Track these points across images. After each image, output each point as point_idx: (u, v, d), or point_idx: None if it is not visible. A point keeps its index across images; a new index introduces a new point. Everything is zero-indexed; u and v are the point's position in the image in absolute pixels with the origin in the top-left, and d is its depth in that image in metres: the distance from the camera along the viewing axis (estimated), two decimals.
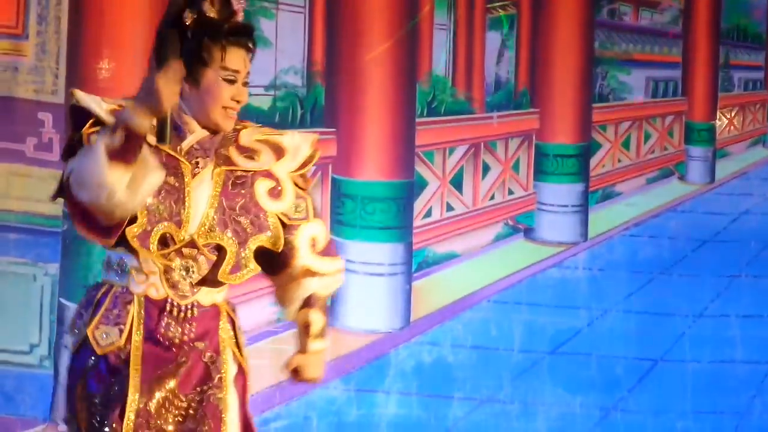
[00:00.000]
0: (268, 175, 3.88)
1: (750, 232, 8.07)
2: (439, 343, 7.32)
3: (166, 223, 3.73)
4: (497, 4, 8.33)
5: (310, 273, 3.93)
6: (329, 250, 3.97)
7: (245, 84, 3.78)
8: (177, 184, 3.76)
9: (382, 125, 7.50)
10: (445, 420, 6.88)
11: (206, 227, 3.78)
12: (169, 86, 3.53)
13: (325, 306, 4.02)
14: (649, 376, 7.45)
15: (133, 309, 3.79)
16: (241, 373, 3.92)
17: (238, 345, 3.92)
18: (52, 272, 6.83)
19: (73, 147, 3.78)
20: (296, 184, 3.91)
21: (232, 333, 3.91)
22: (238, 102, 3.76)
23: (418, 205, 7.70)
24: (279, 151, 3.93)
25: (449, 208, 8.07)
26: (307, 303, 3.97)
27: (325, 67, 7.53)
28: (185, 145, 3.78)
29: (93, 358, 3.81)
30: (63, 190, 3.83)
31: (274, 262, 3.91)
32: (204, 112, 3.76)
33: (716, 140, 8.44)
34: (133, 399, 3.75)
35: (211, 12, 3.70)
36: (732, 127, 8.45)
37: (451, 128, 8.07)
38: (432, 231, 7.85)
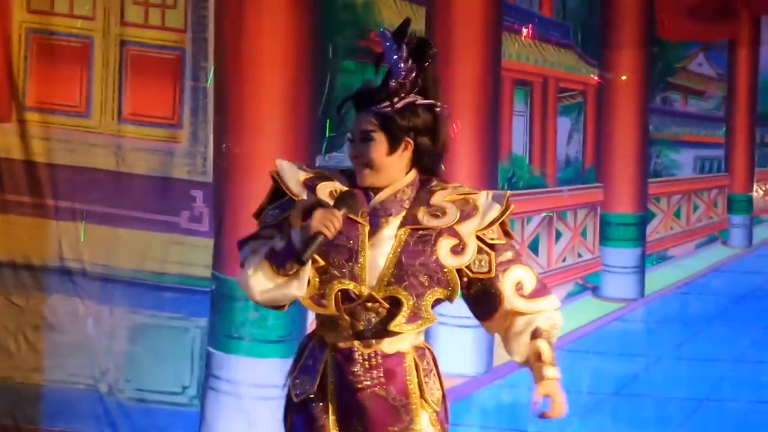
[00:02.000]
0: (453, 233, 3.73)
1: None
2: (516, 385, 7.22)
3: (340, 281, 3.67)
4: (567, 94, 8.34)
5: (519, 314, 3.78)
6: (539, 292, 3.83)
7: (362, 140, 3.71)
8: (351, 245, 3.68)
9: None
10: None
11: (384, 282, 3.69)
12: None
13: (552, 338, 3.88)
14: (696, 414, 7.43)
15: (326, 358, 3.74)
16: (435, 416, 3.79)
17: (422, 389, 3.77)
18: (202, 325, 6.92)
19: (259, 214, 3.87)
20: (482, 240, 3.75)
21: (416, 378, 3.76)
22: (356, 157, 3.74)
23: None
24: (471, 209, 3.78)
25: None
26: (533, 335, 3.81)
27: None
28: (368, 207, 3.74)
29: (293, 403, 3.79)
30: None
31: (485, 310, 3.81)
32: None
33: (753, 209, 8.38)
34: None
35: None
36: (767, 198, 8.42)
37: (528, 200, 8.06)
38: None
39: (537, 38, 8.11)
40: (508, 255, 3.81)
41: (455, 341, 7.42)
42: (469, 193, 3.83)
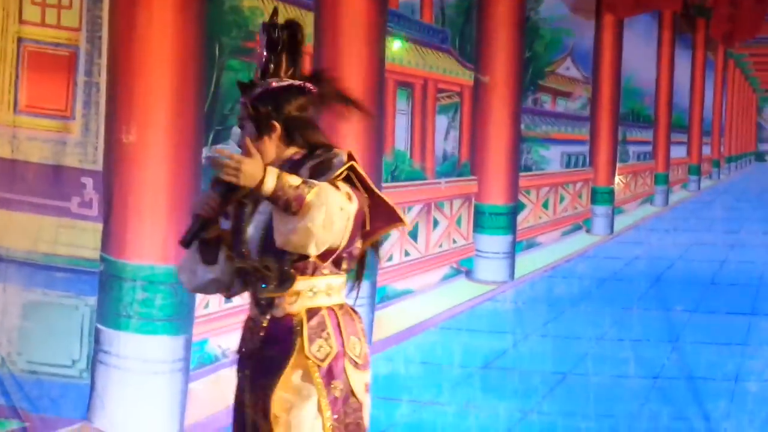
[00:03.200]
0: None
1: (640, 273, 8.06)
2: (392, 359, 7.23)
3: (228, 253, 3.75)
4: (445, 94, 8.35)
5: None
6: None
7: (240, 129, 3.68)
8: (236, 222, 3.73)
9: None
10: (393, 417, 6.88)
11: (259, 252, 3.69)
12: None
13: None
14: (560, 386, 7.38)
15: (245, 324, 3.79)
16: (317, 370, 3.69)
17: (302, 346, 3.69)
18: (91, 303, 6.72)
19: None
20: None
21: (298, 337, 3.68)
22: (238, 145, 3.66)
23: (383, 251, 7.70)
24: (325, 169, 3.64)
25: (406, 253, 8.06)
26: None
27: None
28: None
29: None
30: None
31: None
32: None
33: (614, 200, 8.44)
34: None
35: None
36: (627, 190, 8.48)
37: (409, 191, 8.05)
38: (393, 272, 7.84)
39: (418, 43, 8.11)
40: None
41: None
42: (330, 157, 3.63)
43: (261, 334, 3.69)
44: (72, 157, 6.78)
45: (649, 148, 8.63)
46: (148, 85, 6.73)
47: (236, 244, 3.70)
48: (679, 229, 8.25)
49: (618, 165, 8.44)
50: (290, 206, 3.43)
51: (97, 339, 6.69)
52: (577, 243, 8.38)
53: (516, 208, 8.23)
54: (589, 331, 7.79)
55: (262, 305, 3.70)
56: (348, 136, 7.43)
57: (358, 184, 3.60)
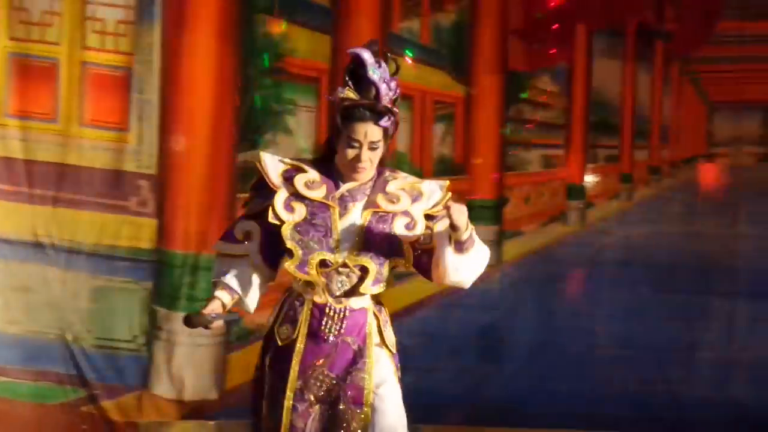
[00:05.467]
0: (406, 213, 3.69)
1: (609, 259, 8.07)
2: (398, 332, 7.27)
3: (319, 252, 3.63)
4: (441, 105, 8.35)
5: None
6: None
7: (371, 148, 3.61)
8: (326, 223, 3.64)
9: None
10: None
11: (354, 253, 3.66)
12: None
13: None
14: (539, 355, 7.44)
15: (305, 311, 3.70)
16: (390, 356, 3.75)
17: (381, 336, 3.74)
18: (147, 287, 6.95)
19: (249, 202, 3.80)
20: (429, 216, 3.70)
21: (375, 327, 3.72)
22: (359, 160, 3.60)
23: None
24: (417, 194, 3.74)
25: None
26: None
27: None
28: (337, 193, 3.67)
29: (277, 347, 3.72)
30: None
31: (428, 265, 3.71)
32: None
33: (586, 196, 8.38)
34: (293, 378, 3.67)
35: (347, 95, 3.64)
36: (597, 187, 8.48)
37: None
38: None
39: (417, 61, 8.14)
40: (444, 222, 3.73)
41: None
42: (414, 182, 3.78)
43: (342, 322, 3.68)
44: (129, 163, 6.95)
45: (616, 153, 8.61)
46: (193, 101, 6.96)
47: (322, 239, 3.67)
48: (643, 221, 8.27)
49: (589, 165, 8.42)
50: (467, 246, 3.59)
51: (153, 318, 6.80)
52: (554, 232, 8.31)
53: (502, 202, 8.23)
54: (565, 306, 7.80)
55: (336, 296, 3.68)
56: None
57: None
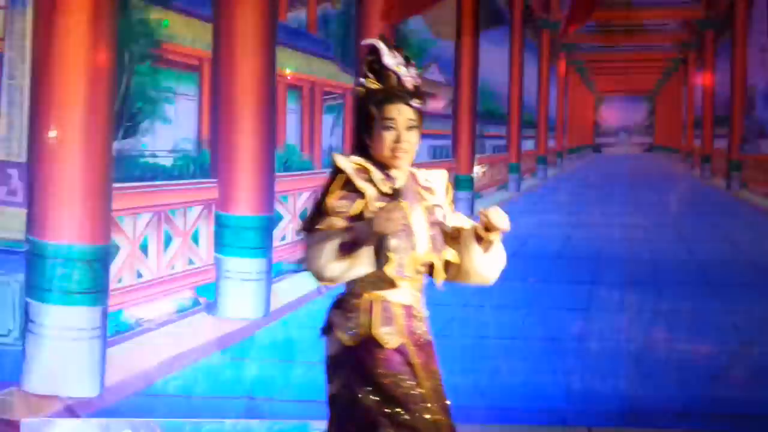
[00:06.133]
0: (440, 206, 3.62)
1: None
2: (290, 325, 7.04)
3: (410, 254, 3.48)
4: (330, 96, 8.21)
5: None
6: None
7: (408, 128, 3.50)
8: (406, 223, 3.47)
9: (253, 177, 7.34)
10: (289, 377, 6.70)
11: (427, 249, 3.53)
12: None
13: None
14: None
15: (396, 312, 3.51)
16: None
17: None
18: (20, 279, 6.59)
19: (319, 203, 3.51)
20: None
21: None
22: (398, 142, 3.48)
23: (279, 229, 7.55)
24: (436, 185, 3.67)
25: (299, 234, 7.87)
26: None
27: (210, 137, 7.36)
28: (401, 190, 3.50)
29: (379, 349, 3.47)
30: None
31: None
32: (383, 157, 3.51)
33: (474, 186, 8.32)
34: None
35: (371, 85, 3.52)
36: (485, 177, 8.38)
37: (299, 180, 7.84)
38: (282, 250, 7.63)
39: (305, 52, 7.97)
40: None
41: (239, 291, 7.19)
42: (432, 174, 3.68)
43: (422, 323, 3.59)
44: None
45: (503, 142, 8.51)
46: (66, 88, 6.62)
47: (406, 238, 3.49)
48: (530, 211, 8.16)
49: (477, 156, 8.30)
50: (496, 244, 3.58)
51: (26, 311, 6.57)
52: None
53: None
54: (454, 299, 7.48)
55: (417, 295, 3.57)
56: (245, 132, 7.27)
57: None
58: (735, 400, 6.70)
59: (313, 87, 8.12)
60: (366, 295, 3.50)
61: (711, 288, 7.40)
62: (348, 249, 3.35)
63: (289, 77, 7.77)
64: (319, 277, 3.39)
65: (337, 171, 3.53)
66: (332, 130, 8.17)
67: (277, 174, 7.48)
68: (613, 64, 8.26)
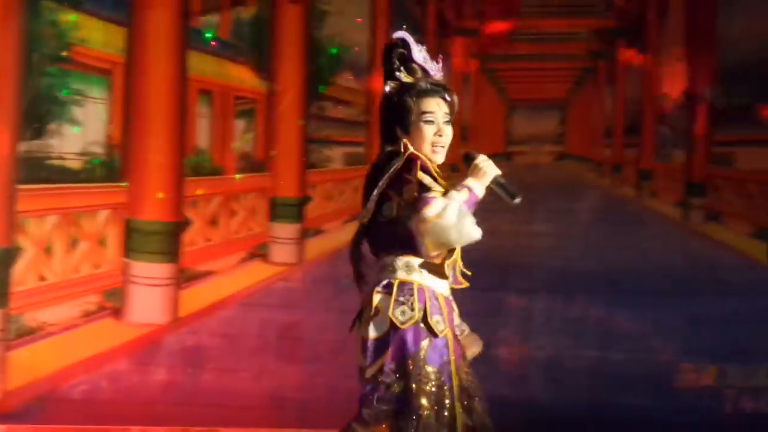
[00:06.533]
0: None
1: None
2: (197, 332, 6.95)
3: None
4: (242, 100, 8.13)
5: None
6: None
7: (446, 122, 3.51)
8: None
9: (162, 181, 7.24)
10: (198, 383, 6.62)
11: None
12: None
13: None
14: (341, 353, 7.17)
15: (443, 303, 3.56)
16: None
17: None
18: None
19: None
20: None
21: None
22: (440, 136, 3.51)
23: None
24: None
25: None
26: None
27: (120, 141, 7.25)
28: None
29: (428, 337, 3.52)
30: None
31: None
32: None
33: None
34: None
35: (407, 79, 3.50)
36: None
37: (209, 185, 7.78)
38: (193, 254, 7.54)
39: (217, 56, 7.90)
40: None
41: (147, 297, 7.10)
42: None
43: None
44: None
45: None
46: None
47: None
48: None
49: None
50: None
51: None
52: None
53: (305, 200, 8.00)
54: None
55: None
56: (155, 136, 7.18)
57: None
58: (643, 407, 6.75)
59: (225, 92, 8.04)
60: (417, 284, 3.56)
61: (619, 295, 7.45)
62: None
63: (200, 81, 7.70)
64: (467, 240, 3.48)
65: (408, 159, 3.49)
66: (244, 134, 8.09)
67: (187, 179, 7.39)
68: (525, 72, 8.30)
